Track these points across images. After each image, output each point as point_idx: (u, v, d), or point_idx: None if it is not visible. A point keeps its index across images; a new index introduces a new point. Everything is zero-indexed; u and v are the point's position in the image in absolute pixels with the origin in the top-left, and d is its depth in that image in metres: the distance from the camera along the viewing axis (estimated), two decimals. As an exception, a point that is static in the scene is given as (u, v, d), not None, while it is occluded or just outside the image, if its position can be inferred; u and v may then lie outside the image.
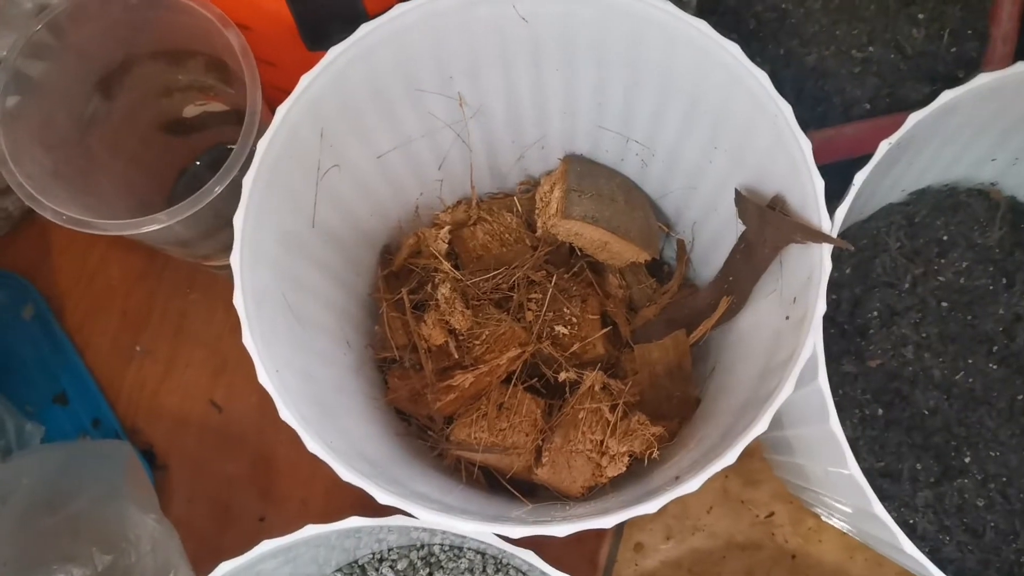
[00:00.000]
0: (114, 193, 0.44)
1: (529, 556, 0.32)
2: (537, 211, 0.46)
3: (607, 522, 0.30)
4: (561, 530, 0.30)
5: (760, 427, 0.30)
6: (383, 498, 0.31)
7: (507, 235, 0.46)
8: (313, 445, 0.31)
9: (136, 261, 0.56)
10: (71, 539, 0.43)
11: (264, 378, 0.32)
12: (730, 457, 0.30)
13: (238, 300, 0.33)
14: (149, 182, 0.47)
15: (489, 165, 0.47)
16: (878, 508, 0.31)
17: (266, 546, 0.32)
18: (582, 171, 0.45)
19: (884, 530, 0.32)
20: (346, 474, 0.31)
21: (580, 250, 0.46)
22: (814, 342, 0.31)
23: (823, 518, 0.51)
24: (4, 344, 0.54)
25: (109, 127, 0.44)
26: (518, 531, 0.31)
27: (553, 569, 0.32)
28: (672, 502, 0.53)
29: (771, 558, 0.52)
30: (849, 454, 0.31)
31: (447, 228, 0.46)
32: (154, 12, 0.40)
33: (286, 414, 0.32)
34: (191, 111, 0.45)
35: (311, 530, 0.32)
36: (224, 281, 0.55)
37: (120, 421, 0.53)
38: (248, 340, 0.32)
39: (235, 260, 0.33)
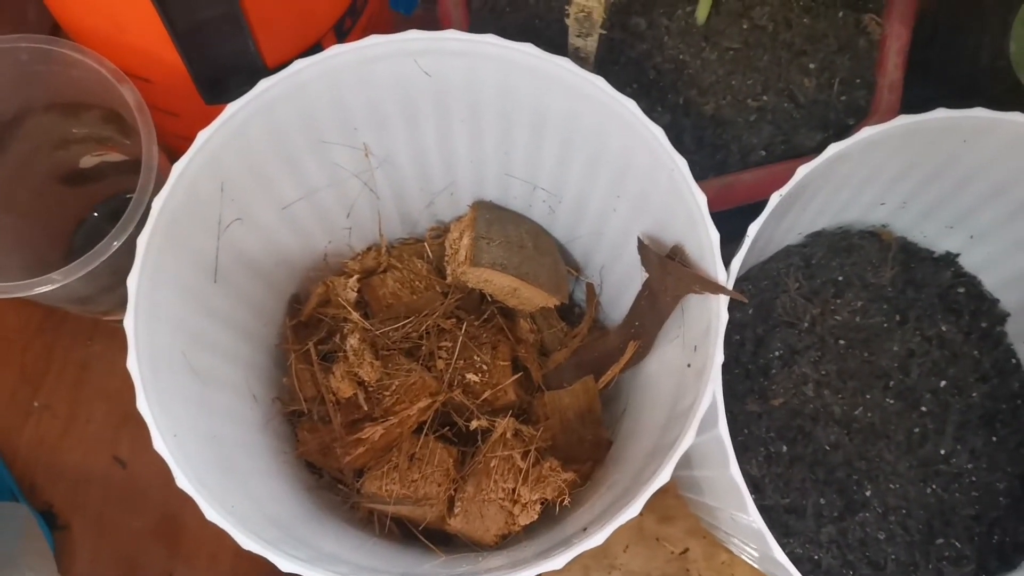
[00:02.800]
0: (7, 249, 0.42)
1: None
2: (447, 258, 0.46)
3: (552, 565, 0.30)
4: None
5: (663, 478, 0.31)
6: (285, 566, 0.30)
7: (417, 282, 0.46)
8: (212, 514, 0.30)
9: (34, 313, 0.54)
10: None
11: (160, 445, 0.31)
12: (635, 509, 0.31)
13: (132, 364, 0.32)
14: (45, 235, 0.46)
15: (399, 212, 0.47)
16: (778, 554, 0.32)
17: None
18: (491, 218, 0.45)
19: (780, 570, 0.33)
20: (247, 543, 0.30)
21: (491, 296, 0.46)
22: (713, 391, 0.32)
23: (735, 552, 0.52)
24: None
25: (1, 181, 0.42)
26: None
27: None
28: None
29: (687, 595, 0.52)
30: (749, 501, 0.32)
31: (356, 276, 0.45)
32: (46, 67, 0.39)
33: (183, 482, 0.31)
34: (88, 161, 0.44)
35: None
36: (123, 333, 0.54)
37: (17, 481, 0.51)
38: (143, 406, 0.31)
39: (129, 323, 0.32)
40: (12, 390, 0.53)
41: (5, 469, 0.51)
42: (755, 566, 0.50)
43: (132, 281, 0.33)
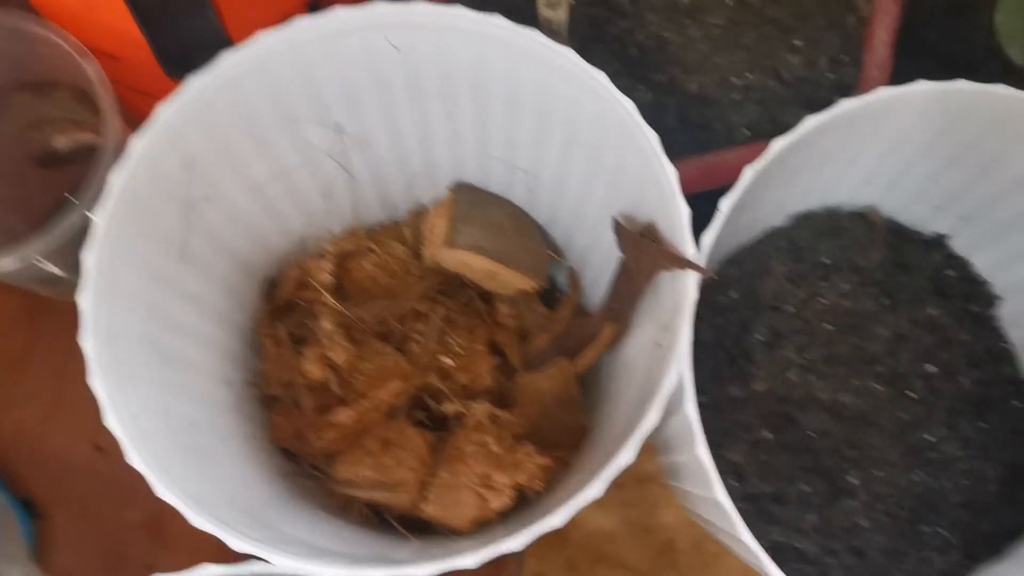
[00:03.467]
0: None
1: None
2: (424, 241, 0.45)
3: (468, 561, 0.30)
4: (421, 570, 0.29)
5: (626, 458, 0.30)
6: (236, 545, 0.29)
7: (395, 266, 0.45)
8: (162, 490, 0.30)
9: (17, 301, 0.54)
10: None
11: (111, 421, 0.31)
12: (595, 490, 0.30)
13: (85, 341, 0.31)
14: (21, 217, 0.45)
15: (378, 194, 0.47)
16: (744, 534, 0.31)
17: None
18: (470, 199, 0.45)
19: (752, 556, 0.32)
20: (197, 520, 0.30)
21: (469, 280, 0.45)
22: (678, 369, 0.31)
23: (724, 543, 0.51)
24: None
25: (-27, 161, 0.42)
26: (380, 572, 0.30)
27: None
28: (576, 531, 0.52)
29: (674, 585, 0.51)
30: (716, 479, 0.31)
31: (331, 259, 0.45)
32: (17, 44, 0.39)
33: (134, 460, 0.30)
34: (62, 142, 0.43)
35: (161, 581, 0.30)
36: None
37: (-2, 469, 0.51)
38: (95, 383, 0.31)
39: (83, 299, 0.32)
40: (-7, 381, 0.53)
41: (-15, 456, 0.51)
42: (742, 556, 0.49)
43: (89, 256, 0.32)
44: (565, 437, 0.43)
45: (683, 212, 0.32)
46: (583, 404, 0.43)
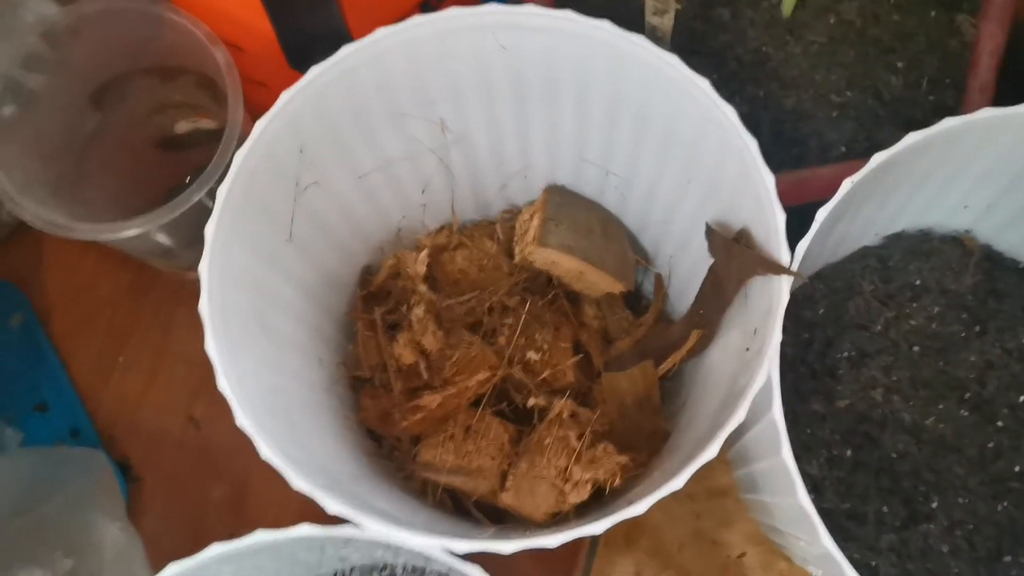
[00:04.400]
0: (104, 207, 0.45)
1: (475, 571, 0.32)
2: (516, 239, 0.46)
3: (551, 541, 0.30)
4: (506, 547, 0.30)
5: (710, 454, 0.31)
6: (332, 507, 0.31)
7: (485, 261, 0.47)
8: (266, 451, 0.32)
9: (125, 276, 0.57)
10: (36, 542, 0.43)
11: (223, 384, 0.32)
12: (679, 482, 0.30)
13: (203, 307, 0.33)
14: (139, 197, 0.48)
15: (473, 192, 0.48)
16: (826, 540, 0.31)
17: (215, 549, 0.32)
18: (561, 201, 0.46)
19: (833, 564, 0.32)
20: (296, 481, 0.31)
21: (557, 279, 0.46)
22: (768, 371, 0.31)
23: (795, 562, 0.51)
24: (-10, 351, 0.55)
25: (102, 140, 0.45)
26: (463, 546, 0.31)
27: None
28: (645, 538, 0.53)
29: (741, 600, 0.51)
30: (799, 483, 0.31)
31: (426, 251, 0.46)
32: (149, 30, 0.41)
33: (242, 420, 0.32)
34: (183, 127, 0.46)
35: (261, 535, 0.32)
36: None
37: (98, 432, 0.54)
38: (211, 347, 0.33)
39: (203, 268, 0.34)
40: (100, 347, 0.56)
41: (88, 420, 0.54)
42: (814, 573, 0.49)
43: (210, 228, 0.34)
44: (643, 440, 0.43)
45: (779, 218, 0.33)
46: (663, 409, 0.44)
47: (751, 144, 0.34)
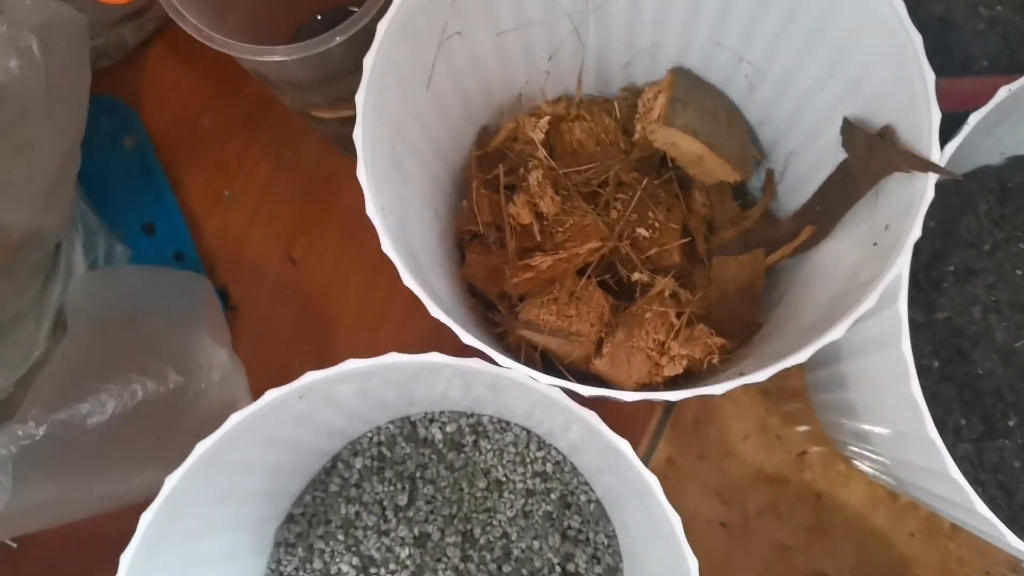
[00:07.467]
0: (239, 31, 0.45)
1: (591, 417, 0.34)
2: (638, 116, 0.47)
3: (677, 395, 0.32)
4: (629, 396, 0.32)
5: (836, 333, 0.32)
6: (468, 339, 0.32)
7: (603, 135, 0.47)
8: (409, 279, 0.33)
9: (237, 111, 0.58)
10: (148, 355, 0.44)
11: (372, 211, 0.34)
12: (802, 356, 0.32)
13: (358, 136, 0.34)
14: (271, 27, 0.48)
15: (596, 66, 0.48)
16: (930, 426, 0.32)
17: (349, 365, 0.34)
18: (689, 84, 0.46)
19: (932, 448, 0.33)
20: (435, 311, 0.33)
21: (672, 161, 0.47)
22: (901, 264, 0.32)
23: (855, 464, 0.53)
24: (103, 169, 0.56)
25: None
26: (588, 390, 0.32)
27: (611, 432, 0.34)
28: (713, 426, 0.54)
29: (796, 494, 0.53)
30: (913, 374, 0.32)
31: (547, 118, 0.47)
32: None
33: (388, 247, 0.33)
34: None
35: (393, 358, 0.34)
36: (316, 143, 0.57)
37: (201, 258, 0.56)
38: (362, 174, 0.34)
39: (360, 98, 0.35)
40: (208, 177, 0.57)
41: (193, 245, 0.56)
42: (879, 478, 0.51)
43: (369, 59, 0.35)
44: (736, 328, 0.44)
45: (935, 115, 0.33)
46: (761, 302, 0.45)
47: (916, 39, 0.34)
